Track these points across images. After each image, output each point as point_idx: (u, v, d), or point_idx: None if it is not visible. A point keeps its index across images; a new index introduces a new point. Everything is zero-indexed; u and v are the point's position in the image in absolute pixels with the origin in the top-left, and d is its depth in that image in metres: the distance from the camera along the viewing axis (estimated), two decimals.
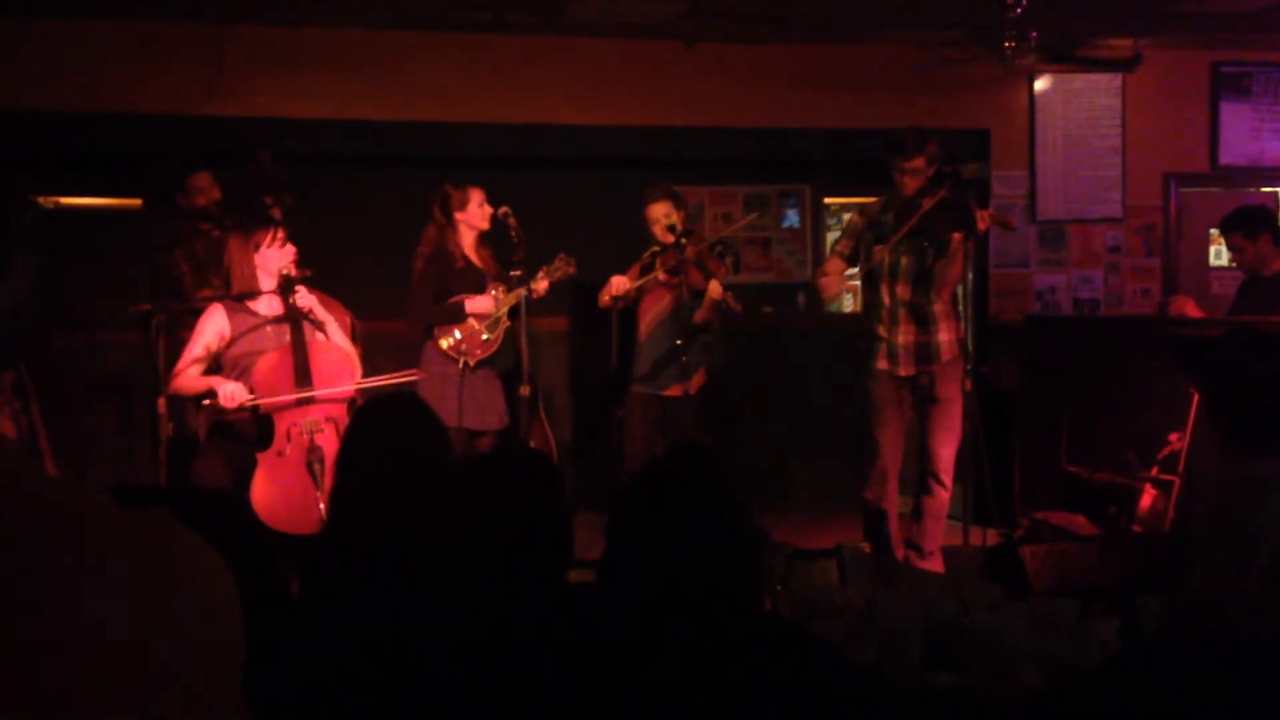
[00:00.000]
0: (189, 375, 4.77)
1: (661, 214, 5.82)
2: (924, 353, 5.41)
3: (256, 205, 5.47)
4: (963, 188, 5.33)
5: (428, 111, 6.91)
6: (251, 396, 4.65)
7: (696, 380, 5.84)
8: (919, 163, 5.29)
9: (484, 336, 5.57)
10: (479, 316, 5.57)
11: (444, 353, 5.53)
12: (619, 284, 5.76)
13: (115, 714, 1.08)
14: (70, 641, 1.08)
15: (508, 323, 5.62)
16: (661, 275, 5.76)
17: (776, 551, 3.99)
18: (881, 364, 5.46)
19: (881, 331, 5.46)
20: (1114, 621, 2.89)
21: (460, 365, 5.51)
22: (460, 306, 5.55)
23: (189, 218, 6.03)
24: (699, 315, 5.74)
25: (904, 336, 5.43)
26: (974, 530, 5.42)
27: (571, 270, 5.60)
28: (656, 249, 5.88)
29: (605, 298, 5.82)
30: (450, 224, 5.63)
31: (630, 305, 5.98)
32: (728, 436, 7.08)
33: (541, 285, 5.49)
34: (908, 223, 5.24)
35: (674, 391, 5.80)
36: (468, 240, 5.68)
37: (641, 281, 5.84)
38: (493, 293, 5.61)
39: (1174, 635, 1.94)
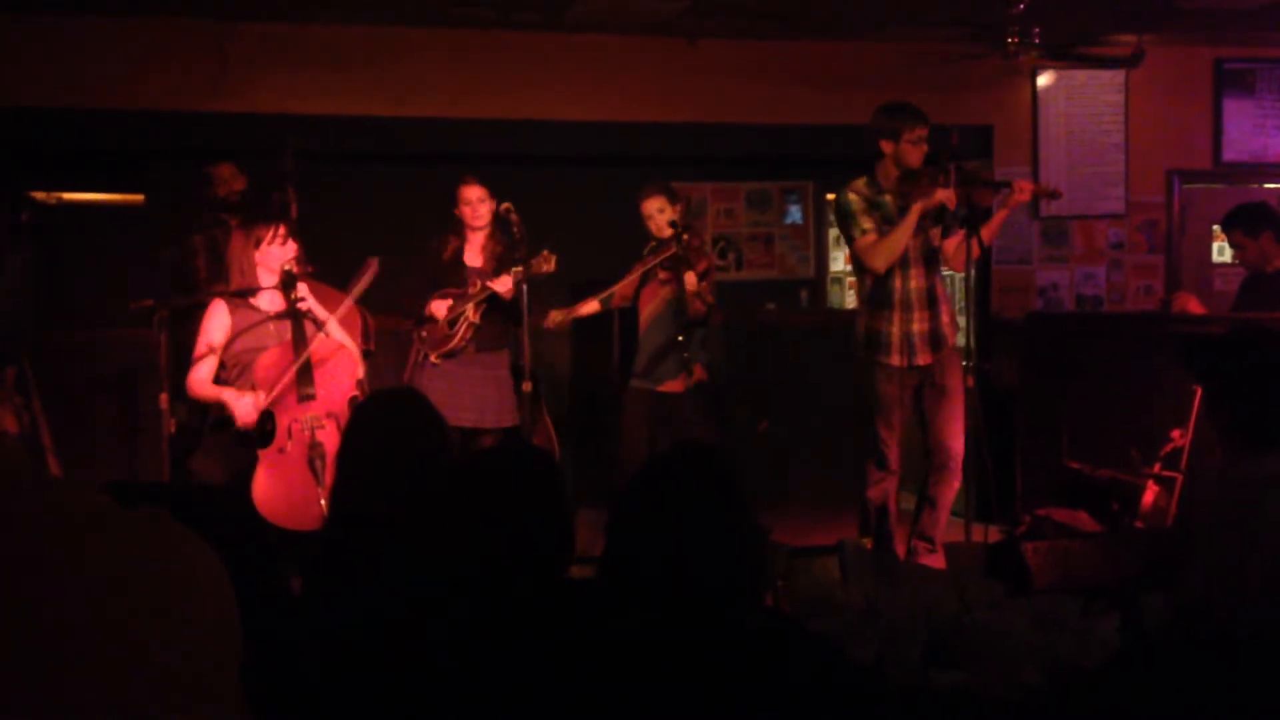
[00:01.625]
0: (201, 380, 4.80)
1: (655, 209, 5.83)
2: (936, 338, 5.35)
3: (273, 201, 5.48)
4: (969, 181, 5.31)
5: (431, 108, 6.90)
6: (266, 399, 4.66)
7: (693, 376, 5.86)
8: (925, 130, 5.29)
9: (445, 330, 5.62)
10: (434, 320, 5.62)
11: (416, 346, 5.63)
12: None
13: (111, 711, 1.08)
14: (66, 639, 1.08)
15: (473, 319, 5.59)
16: (660, 272, 5.80)
17: (777, 549, 3.99)
18: (894, 359, 5.34)
19: (893, 321, 5.33)
20: (1116, 619, 2.89)
21: (424, 358, 5.60)
22: (420, 306, 5.64)
23: (210, 208, 6.02)
24: (689, 309, 5.76)
25: (919, 324, 5.33)
26: (976, 527, 5.40)
27: (548, 268, 5.42)
28: (654, 244, 5.90)
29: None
30: (455, 219, 5.69)
31: (630, 303, 6.00)
32: (728, 433, 7.08)
33: (502, 285, 5.44)
34: (932, 199, 5.18)
35: (669, 387, 5.84)
36: (470, 236, 5.70)
37: (642, 270, 5.87)
38: (469, 291, 5.63)
39: (1176, 633, 1.94)
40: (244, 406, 4.69)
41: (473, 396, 5.58)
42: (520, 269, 5.38)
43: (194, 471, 4.75)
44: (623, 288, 5.91)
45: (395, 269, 5.74)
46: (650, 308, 5.94)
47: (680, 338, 5.68)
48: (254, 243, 4.83)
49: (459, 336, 5.58)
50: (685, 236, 5.61)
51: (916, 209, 5.22)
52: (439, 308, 5.60)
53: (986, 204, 5.53)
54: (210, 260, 5.84)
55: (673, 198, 5.87)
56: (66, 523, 1.15)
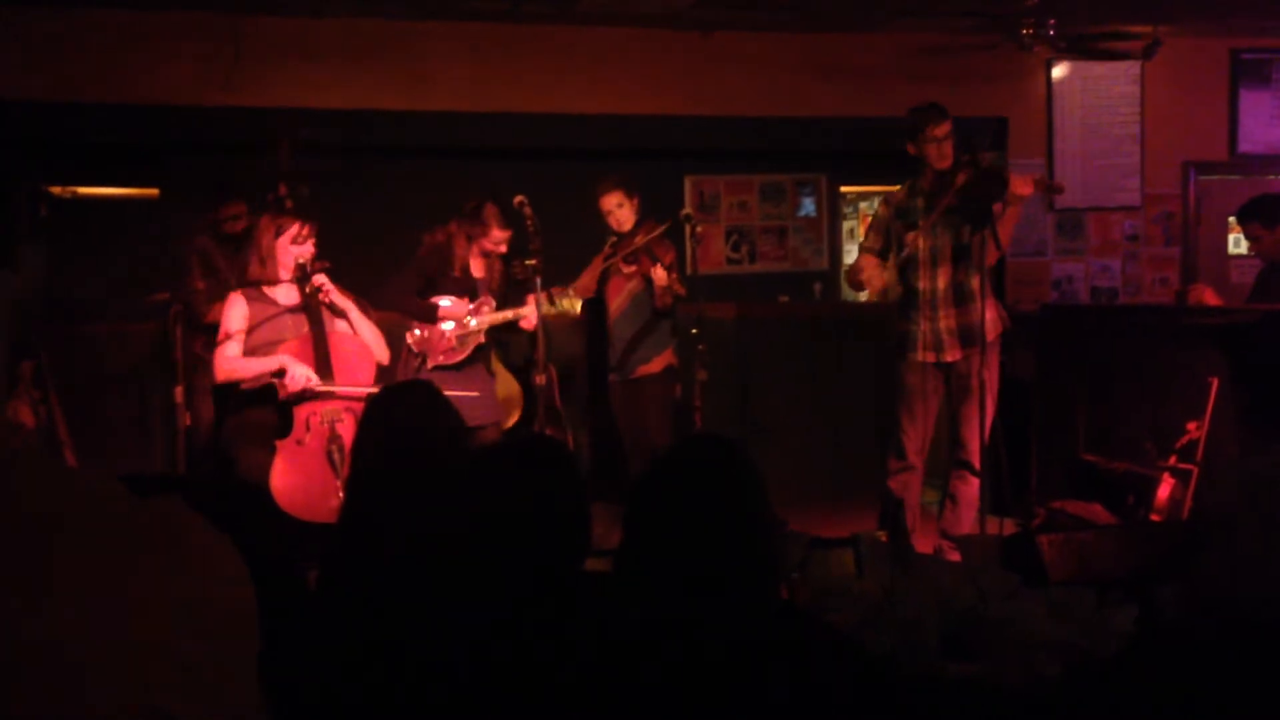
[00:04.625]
0: (232, 356, 4.67)
1: (614, 204, 5.89)
2: (968, 334, 5.32)
3: (271, 194, 5.47)
4: (983, 175, 5.27)
5: (443, 101, 6.91)
6: (320, 383, 4.61)
7: (662, 360, 5.97)
8: (947, 126, 5.26)
9: (452, 343, 5.43)
10: (453, 318, 5.43)
11: (408, 346, 5.50)
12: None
13: (126, 700, 1.08)
14: (81, 629, 1.08)
15: (481, 340, 5.45)
16: (622, 266, 5.85)
17: (793, 540, 3.98)
18: (923, 355, 5.35)
19: (922, 320, 5.35)
20: (1132, 610, 2.88)
21: (418, 363, 5.45)
22: (434, 308, 5.44)
23: (216, 240, 6.03)
24: (657, 301, 5.81)
25: (945, 321, 5.33)
26: (991, 519, 5.40)
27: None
28: (614, 239, 5.95)
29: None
30: (465, 239, 5.56)
31: (593, 294, 6.04)
32: (743, 426, 7.07)
33: (530, 320, 5.36)
34: (943, 200, 5.17)
35: (643, 371, 5.98)
36: (476, 253, 5.59)
37: (606, 266, 5.94)
38: (482, 307, 5.48)
39: (1192, 624, 1.93)
40: (300, 371, 4.56)
41: (469, 396, 5.44)
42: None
43: (239, 461, 4.73)
44: (585, 280, 5.96)
45: (401, 262, 5.72)
46: (617, 301, 6.03)
47: (643, 325, 5.88)
48: (275, 231, 4.79)
49: (468, 352, 5.45)
50: (694, 228, 5.68)
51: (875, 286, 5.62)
52: (453, 315, 5.46)
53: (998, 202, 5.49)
54: (205, 273, 5.82)
55: (630, 190, 5.88)
56: (81, 513, 1.15)
